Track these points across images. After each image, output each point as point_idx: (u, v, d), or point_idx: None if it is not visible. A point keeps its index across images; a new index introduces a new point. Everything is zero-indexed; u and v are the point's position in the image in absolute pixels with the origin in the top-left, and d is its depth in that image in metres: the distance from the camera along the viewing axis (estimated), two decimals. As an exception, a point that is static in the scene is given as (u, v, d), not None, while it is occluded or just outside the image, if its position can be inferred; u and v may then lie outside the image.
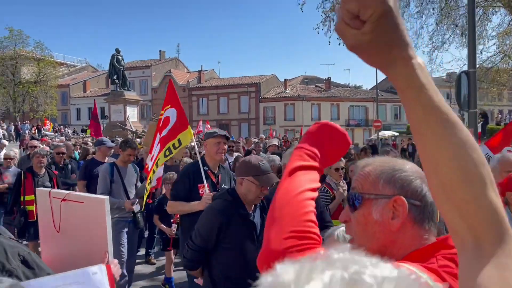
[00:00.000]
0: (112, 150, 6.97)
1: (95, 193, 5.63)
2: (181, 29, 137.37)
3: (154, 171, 4.91)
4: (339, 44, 11.90)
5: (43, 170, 6.27)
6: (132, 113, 26.57)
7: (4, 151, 7.76)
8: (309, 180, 1.16)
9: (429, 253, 0.94)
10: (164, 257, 6.45)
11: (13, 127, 34.28)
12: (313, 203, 1.14)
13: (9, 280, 0.75)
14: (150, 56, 60.12)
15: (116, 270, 1.77)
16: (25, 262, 1.61)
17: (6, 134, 32.06)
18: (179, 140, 4.60)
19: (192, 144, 5.12)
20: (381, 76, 59.27)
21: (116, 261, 1.83)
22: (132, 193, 5.32)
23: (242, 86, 47.78)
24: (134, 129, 24.24)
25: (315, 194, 1.17)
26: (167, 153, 4.67)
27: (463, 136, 0.69)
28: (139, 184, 5.58)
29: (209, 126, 22.84)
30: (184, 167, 4.47)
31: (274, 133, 32.38)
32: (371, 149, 18.48)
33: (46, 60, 42.24)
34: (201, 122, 21.78)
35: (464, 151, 0.68)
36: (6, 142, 16.37)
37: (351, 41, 0.71)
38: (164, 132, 4.71)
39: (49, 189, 2.08)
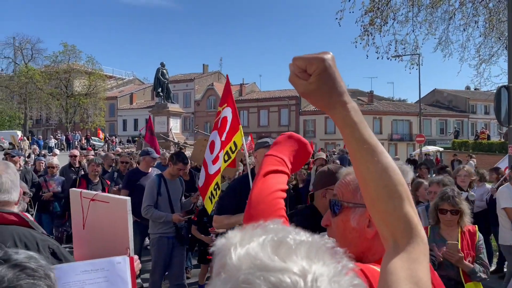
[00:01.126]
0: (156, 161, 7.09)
1: (136, 202, 5.68)
2: (224, 44, 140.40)
3: (217, 183, 4.56)
4: (377, 58, 11.75)
5: (98, 178, 6.42)
6: (175, 124, 27.35)
7: (55, 159, 8.20)
8: (279, 182, 1.29)
9: None
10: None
11: (64, 137, 36.18)
12: (283, 202, 1.26)
13: (26, 252, 0.88)
14: (193, 70, 61.73)
15: (136, 264, 1.95)
16: (54, 254, 1.82)
17: (58, 143, 33.91)
18: (234, 143, 4.40)
19: (242, 150, 4.88)
20: (426, 90, 57.56)
21: (136, 256, 2.00)
22: (177, 207, 5.15)
23: (282, 99, 48.01)
24: (176, 140, 24.93)
25: (284, 194, 1.29)
26: (226, 158, 4.44)
27: (386, 162, 0.90)
28: (183, 199, 5.47)
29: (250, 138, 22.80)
30: (233, 180, 4.42)
31: (314, 146, 32.20)
32: (412, 164, 18.03)
33: (97, 73, 44.50)
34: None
35: (387, 173, 0.89)
36: (57, 151, 17.39)
37: (301, 89, 0.93)
38: (223, 137, 4.49)
39: (80, 189, 2.28)
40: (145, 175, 6.15)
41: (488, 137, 32.11)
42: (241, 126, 4.48)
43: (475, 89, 49.92)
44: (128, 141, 40.69)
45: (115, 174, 7.64)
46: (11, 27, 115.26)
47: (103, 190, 6.16)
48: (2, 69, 46.00)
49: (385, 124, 46.33)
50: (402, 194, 0.88)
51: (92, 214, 2.04)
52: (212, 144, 4.66)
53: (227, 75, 5.14)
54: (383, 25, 11.53)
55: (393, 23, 11.68)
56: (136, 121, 53.70)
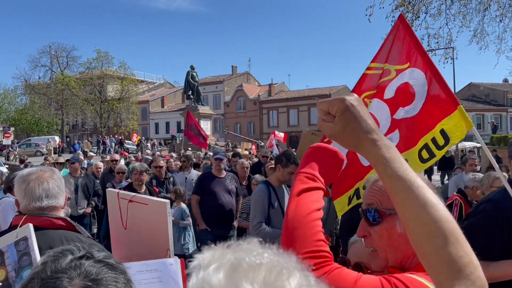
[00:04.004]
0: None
1: (208, 209, 5.55)
2: (252, 44, 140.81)
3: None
4: (409, 53, 11.44)
5: (144, 187, 5.64)
6: (206, 126, 27.64)
7: (123, 164, 8.00)
8: (314, 201, 1.23)
9: None
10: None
11: (100, 141, 37.22)
12: (320, 222, 1.19)
13: (104, 252, 0.94)
14: (222, 72, 62.35)
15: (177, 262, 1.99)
16: None
17: (95, 147, 34.95)
18: (443, 132, 2.76)
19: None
20: (461, 84, 55.73)
21: (176, 257, 2.03)
22: None
23: (312, 98, 47.67)
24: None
25: (321, 214, 1.23)
26: (425, 155, 2.85)
27: (424, 198, 0.85)
28: None
29: (281, 134, 22.40)
30: None
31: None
32: (447, 162, 17.44)
33: (129, 78, 45.57)
34: (272, 135, 21.67)
35: (425, 210, 0.83)
36: (93, 154, 17.92)
37: (328, 131, 0.95)
38: (402, 113, 2.94)
39: (117, 190, 2.34)
40: (219, 180, 5.76)
41: (529, 131, 30.74)
42: (461, 106, 2.72)
43: (513, 82, 48.08)
44: (160, 143, 41.45)
45: (153, 182, 7.06)
46: (47, 36, 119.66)
47: None
48: (39, 77, 47.81)
49: (418, 121, 45.20)
50: (445, 232, 0.82)
51: (131, 216, 2.09)
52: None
53: (400, 16, 3.25)
54: (415, 19, 11.25)
55: (425, 17, 11.37)
56: (167, 124, 54.62)
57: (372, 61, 3.10)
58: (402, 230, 1.15)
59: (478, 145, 31.45)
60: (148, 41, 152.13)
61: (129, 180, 7.76)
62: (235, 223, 5.78)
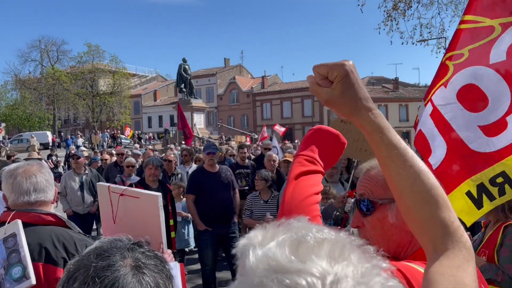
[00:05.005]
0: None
1: (207, 208, 5.16)
2: (244, 36, 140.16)
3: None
4: (402, 44, 11.48)
5: (157, 184, 5.17)
6: (199, 120, 27.57)
7: (132, 158, 7.50)
8: (312, 185, 1.21)
9: None
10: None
11: (90, 135, 36.97)
12: (317, 207, 1.18)
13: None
14: (215, 64, 62.06)
15: (170, 259, 1.95)
16: None
17: (87, 142, 34.74)
18: None
19: None
20: (453, 74, 55.83)
21: (169, 251, 2.00)
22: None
23: (305, 89, 47.59)
24: (201, 136, 25.14)
25: (319, 198, 1.22)
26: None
27: (419, 166, 0.87)
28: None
29: (282, 129, 22.19)
30: None
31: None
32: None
33: (120, 72, 45.15)
34: (265, 127, 21.71)
35: (420, 178, 0.86)
36: (85, 149, 17.80)
37: (325, 96, 0.93)
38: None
39: (107, 184, 2.30)
40: (213, 175, 5.39)
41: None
42: None
43: (505, 71, 48.36)
44: (153, 137, 41.31)
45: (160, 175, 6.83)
46: (36, 30, 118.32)
47: (165, 198, 4.71)
48: (30, 72, 47.24)
49: (411, 111, 45.35)
50: (438, 199, 0.85)
51: (122, 210, 2.05)
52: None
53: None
54: (407, 9, 11.26)
55: (417, 7, 11.39)
56: (160, 117, 54.40)
57: (467, 13, 2.42)
58: (394, 220, 1.14)
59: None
60: (139, 34, 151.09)
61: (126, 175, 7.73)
62: (235, 219, 5.52)
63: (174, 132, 27.23)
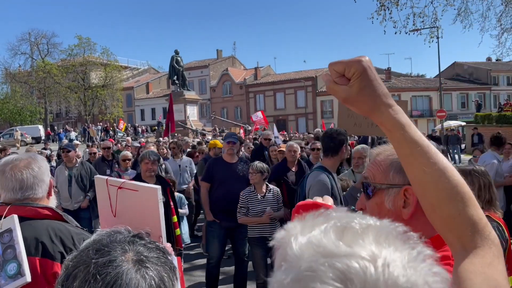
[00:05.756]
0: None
1: (219, 199, 5.08)
2: (236, 27, 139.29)
3: None
4: (395, 33, 11.43)
5: (155, 179, 4.80)
6: (192, 112, 27.43)
7: (128, 152, 7.35)
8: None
9: (441, 240, 0.93)
10: None
11: (83, 129, 36.69)
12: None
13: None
14: (207, 56, 61.63)
15: (170, 252, 1.93)
16: None
17: (80, 135, 34.49)
18: None
19: None
20: (445, 64, 56.10)
21: (169, 244, 1.97)
22: None
23: (298, 80, 47.56)
24: (194, 128, 25.05)
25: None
26: None
27: (443, 163, 0.86)
28: None
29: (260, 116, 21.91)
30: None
31: (334, 126, 31.89)
32: (434, 141, 17.69)
33: (112, 64, 44.75)
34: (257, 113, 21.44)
35: (445, 175, 0.84)
36: (78, 142, 17.65)
37: (343, 94, 0.90)
38: None
39: (106, 176, 2.26)
40: (230, 166, 5.23)
41: (512, 109, 31.19)
42: None
43: (496, 60, 48.54)
44: (147, 130, 41.11)
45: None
46: (26, 23, 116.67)
47: (165, 193, 4.32)
48: (20, 65, 46.66)
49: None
50: (465, 196, 0.84)
51: (121, 203, 2.01)
52: None
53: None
54: (401, -2, 11.17)
55: (410, -5, 11.29)
56: (153, 110, 54.10)
57: None
58: (390, 207, 1.16)
59: (463, 123, 31.87)
60: (131, 26, 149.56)
61: (117, 167, 7.60)
62: None
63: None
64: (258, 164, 4.95)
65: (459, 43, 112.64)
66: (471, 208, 0.83)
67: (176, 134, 16.22)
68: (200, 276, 5.86)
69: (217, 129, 29.83)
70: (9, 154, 9.82)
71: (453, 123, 31.68)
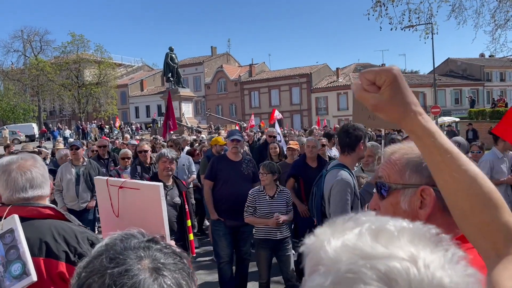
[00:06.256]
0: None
1: (223, 198, 5.00)
2: (231, 24, 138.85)
3: None
4: (391, 29, 11.44)
5: (171, 180, 4.54)
6: (187, 109, 27.35)
7: (128, 150, 7.15)
8: None
9: (464, 241, 0.91)
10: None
11: (76, 127, 36.47)
12: None
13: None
14: (202, 53, 61.44)
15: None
16: (93, 245, 1.79)
17: (74, 133, 34.27)
18: None
19: None
20: (439, 60, 56.25)
21: (173, 242, 1.96)
22: None
23: (293, 77, 47.52)
24: (189, 125, 24.99)
25: None
26: None
27: (474, 170, 0.86)
28: None
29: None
30: None
31: (327, 123, 31.95)
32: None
33: (106, 62, 44.38)
34: (253, 115, 21.61)
35: (477, 181, 0.85)
36: (72, 140, 17.55)
37: (373, 102, 0.92)
38: None
39: (105, 177, 2.24)
40: (234, 164, 5.12)
41: (506, 105, 31.40)
42: None
43: (489, 56, 48.74)
44: (141, 128, 40.95)
45: (138, 168, 6.48)
46: (18, 20, 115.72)
47: (180, 196, 4.47)
48: (12, 63, 46.22)
49: (398, 97, 45.62)
50: (498, 202, 0.84)
51: (122, 203, 2.00)
52: None
53: None
54: (396, -6, 11.18)
55: (406, -9, 11.30)
56: (148, 107, 53.87)
57: None
58: (406, 207, 1.12)
59: (457, 119, 32.04)
60: (124, 23, 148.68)
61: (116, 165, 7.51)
62: None
63: (162, 121, 26.99)
64: (269, 164, 4.79)
65: (453, 39, 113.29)
66: (504, 215, 0.83)
67: (172, 133, 16.15)
68: (200, 275, 5.87)
69: (212, 126, 29.76)
70: (13, 151, 9.66)
71: (447, 119, 31.86)
